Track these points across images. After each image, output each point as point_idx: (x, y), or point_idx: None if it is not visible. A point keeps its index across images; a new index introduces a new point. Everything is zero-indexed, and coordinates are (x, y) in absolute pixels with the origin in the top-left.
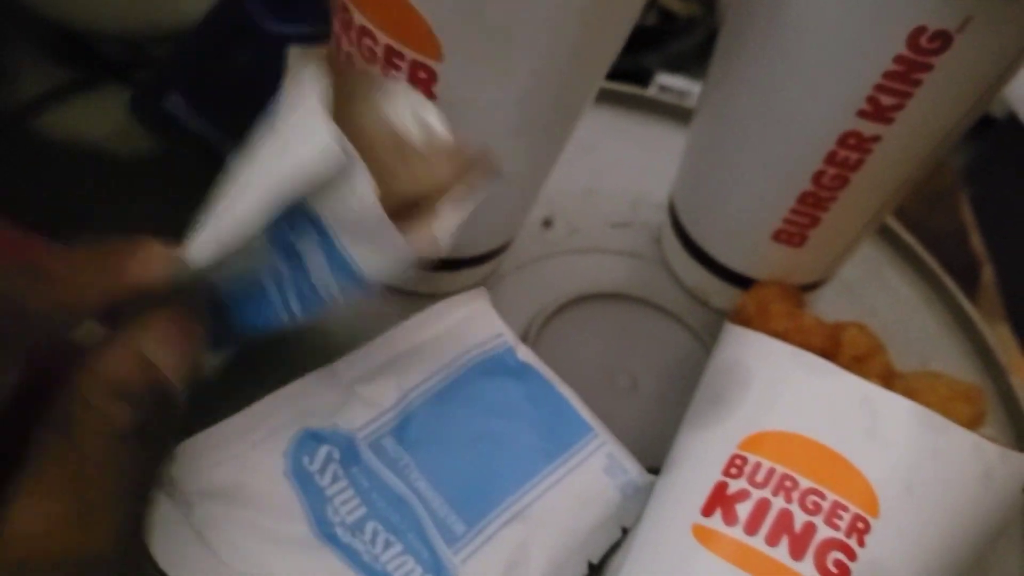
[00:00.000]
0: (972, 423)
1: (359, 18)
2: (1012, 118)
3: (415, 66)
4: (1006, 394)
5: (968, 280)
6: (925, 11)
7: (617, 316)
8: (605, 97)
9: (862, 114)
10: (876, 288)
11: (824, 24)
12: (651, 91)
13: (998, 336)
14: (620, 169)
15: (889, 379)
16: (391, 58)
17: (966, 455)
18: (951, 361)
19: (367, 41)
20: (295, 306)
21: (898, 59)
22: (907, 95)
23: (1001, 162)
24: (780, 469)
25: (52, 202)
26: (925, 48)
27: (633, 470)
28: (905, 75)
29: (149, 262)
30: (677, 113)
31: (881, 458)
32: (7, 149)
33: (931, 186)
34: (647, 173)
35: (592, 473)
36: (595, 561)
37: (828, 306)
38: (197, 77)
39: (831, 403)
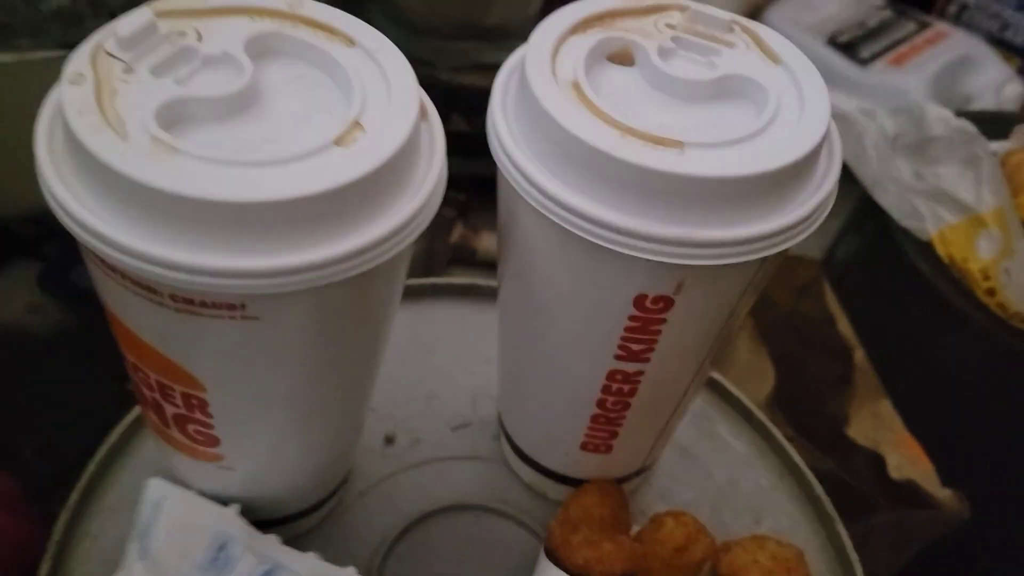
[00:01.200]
0: None
1: (128, 355)
2: (863, 202)
3: (186, 395)
4: (836, 543)
5: (843, 361)
6: (642, 283)
7: (461, 527)
8: (441, 292)
9: (619, 357)
10: (711, 448)
11: (563, 293)
12: None
13: (880, 412)
14: (459, 364)
15: (714, 557)
16: (164, 389)
17: None
18: (783, 512)
19: (141, 374)
20: None
21: (632, 318)
22: (652, 341)
23: (857, 238)
24: None
25: None
26: (651, 308)
27: None
28: (643, 328)
29: None
30: None
31: None
32: None
33: (797, 278)
34: (486, 364)
35: None
36: None
37: (666, 475)
38: None
39: None
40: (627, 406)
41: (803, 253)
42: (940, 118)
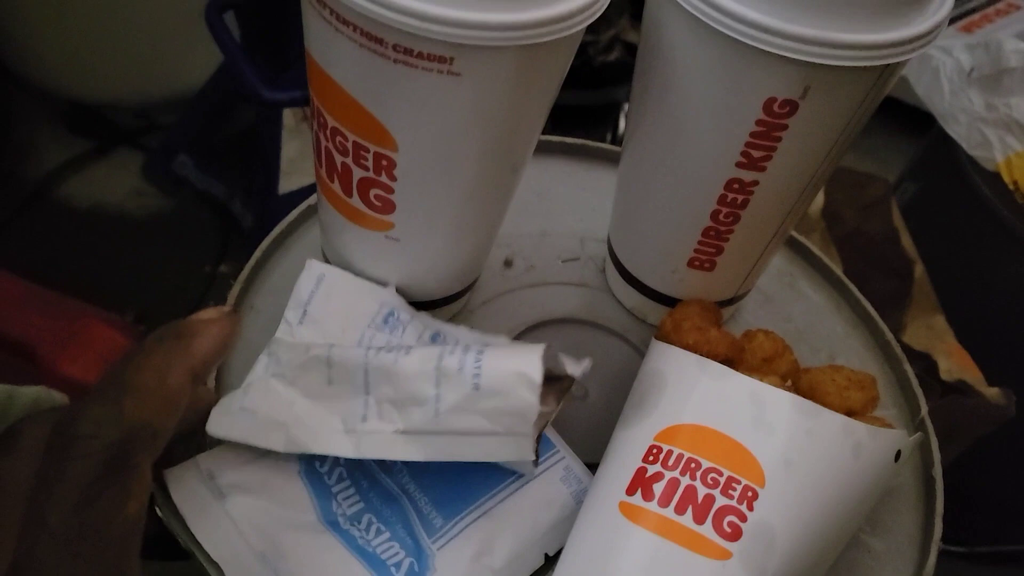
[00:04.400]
0: (866, 407)
1: (331, 120)
2: (934, 136)
3: (377, 156)
4: (903, 381)
5: (903, 279)
6: (772, 85)
7: (570, 338)
8: (554, 148)
9: (740, 165)
10: (791, 297)
11: (699, 97)
12: (622, 121)
13: (934, 325)
14: (569, 210)
15: (795, 374)
16: (358, 151)
17: (836, 433)
18: (855, 355)
19: (339, 139)
20: None
21: (759, 122)
22: (772, 148)
23: (926, 172)
24: (687, 454)
25: (77, 266)
26: (778, 112)
27: (586, 480)
28: (767, 133)
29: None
30: (616, 158)
31: (766, 440)
32: (34, 218)
33: (865, 195)
34: (593, 212)
35: (551, 482)
36: (551, 553)
37: (751, 315)
38: (202, 140)
39: (727, 400)
40: (737, 219)
41: (873, 172)
42: (1017, 50)
